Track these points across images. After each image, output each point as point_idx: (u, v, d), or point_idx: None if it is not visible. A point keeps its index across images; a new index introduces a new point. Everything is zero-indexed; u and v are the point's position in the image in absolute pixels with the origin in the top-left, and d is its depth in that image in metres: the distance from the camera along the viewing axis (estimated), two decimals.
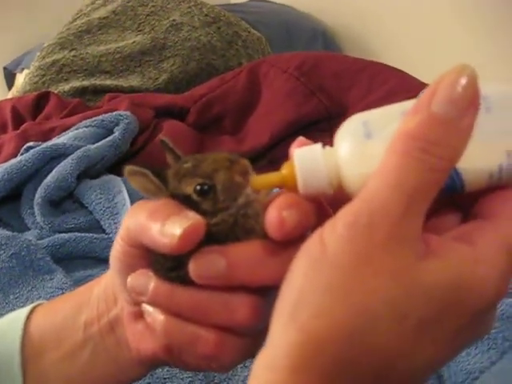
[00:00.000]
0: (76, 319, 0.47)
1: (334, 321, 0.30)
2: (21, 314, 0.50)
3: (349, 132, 0.35)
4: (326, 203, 0.39)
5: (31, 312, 0.50)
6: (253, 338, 0.39)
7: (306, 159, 0.36)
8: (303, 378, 0.30)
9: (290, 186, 0.36)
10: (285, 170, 0.37)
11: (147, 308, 0.41)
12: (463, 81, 0.31)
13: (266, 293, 0.38)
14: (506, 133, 0.33)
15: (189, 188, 0.38)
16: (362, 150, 0.34)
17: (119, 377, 0.47)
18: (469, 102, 0.31)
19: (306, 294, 0.31)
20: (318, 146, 0.36)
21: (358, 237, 0.31)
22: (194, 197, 0.38)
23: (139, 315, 0.43)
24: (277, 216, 0.35)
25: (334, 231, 0.31)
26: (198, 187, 0.37)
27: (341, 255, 0.31)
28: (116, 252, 0.42)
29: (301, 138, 0.38)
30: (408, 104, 0.34)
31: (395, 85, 1.27)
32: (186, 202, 0.38)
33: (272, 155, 1.20)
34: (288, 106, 1.24)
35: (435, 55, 1.72)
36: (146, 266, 0.40)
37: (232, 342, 0.39)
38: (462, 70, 0.31)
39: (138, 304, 0.43)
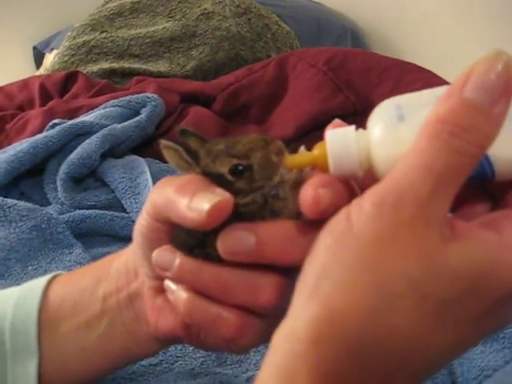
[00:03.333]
0: (94, 291, 0.47)
1: (357, 296, 0.30)
2: (40, 282, 0.50)
3: (381, 115, 0.35)
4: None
5: (50, 281, 0.50)
6: (274, 319, 0.39)
7: (338, 140, 0.36)
8: (323, 350, 0.30)
9: (321, 166, 0.36)
10: (317, 150, 0.37)
11: (170, 285, 0.41)
12: (497, 68, 0.31)
13: (290, 274, 0.38)
14: None
15: (223, 167, 0.38)
16: (394, 133, 0.34)
17: (134, 350, 0.47)
18: (502, 90, 0.31)
19: (330, 269, 0.31)
20: (351, 127, 0.36)
21: (385, 215, 0.31)
22: (228, 176, 0.38)
23: (160, 290, 0.43)
24: (313, 193, 0.35)
25: (361, 209, 0.31)
26: (234, 167, 0.37)
27: (367, 232, 0.31)
28: (140, 226, 0.42)
29: (337, 120, 0.38)
30: (441, 90, 0.34)
31: (422, 85, 1.25)
32: (218, 180, 0.38)
33: (295, 148, 1.20)
34: (314, 100, 1.23)
35: (464, 55, 1.70)
36: (169, 242, 0.40)
37: (253, 324, 0.39)
38: (497, 57, 0.31)
39: (159, 279, 0.43)
